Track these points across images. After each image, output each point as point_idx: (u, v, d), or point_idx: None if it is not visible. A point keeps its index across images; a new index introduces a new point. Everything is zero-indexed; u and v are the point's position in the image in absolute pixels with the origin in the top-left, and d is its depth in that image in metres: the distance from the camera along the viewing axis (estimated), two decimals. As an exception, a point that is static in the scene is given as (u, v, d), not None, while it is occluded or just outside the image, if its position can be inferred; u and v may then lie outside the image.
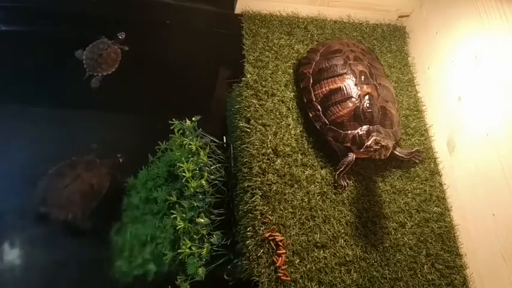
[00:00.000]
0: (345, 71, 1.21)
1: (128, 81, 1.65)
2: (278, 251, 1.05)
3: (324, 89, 1.21)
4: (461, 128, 1.25)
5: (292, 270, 1.04)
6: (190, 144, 1.24)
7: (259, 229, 1.06)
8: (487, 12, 1.20)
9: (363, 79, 1.20)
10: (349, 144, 1.16)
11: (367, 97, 1.17)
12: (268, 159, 1.16)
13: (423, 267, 1.14)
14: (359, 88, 1.19)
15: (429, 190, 1.27)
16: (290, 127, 1.23)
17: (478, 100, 1.21)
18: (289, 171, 1.16)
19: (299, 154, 1.19)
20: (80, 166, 1.50)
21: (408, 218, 1.20)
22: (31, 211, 1.42)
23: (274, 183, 1.13)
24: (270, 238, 1.06)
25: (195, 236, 1.16)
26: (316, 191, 1.16)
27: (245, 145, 1.16)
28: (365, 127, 1.16)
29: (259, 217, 1.08)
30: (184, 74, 1.65)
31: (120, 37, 1.64)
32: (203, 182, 1.19)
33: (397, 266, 1.13)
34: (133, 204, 1.43)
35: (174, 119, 1.28)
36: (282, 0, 1.44)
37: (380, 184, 1.24)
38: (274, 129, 1.20)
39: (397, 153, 1.23)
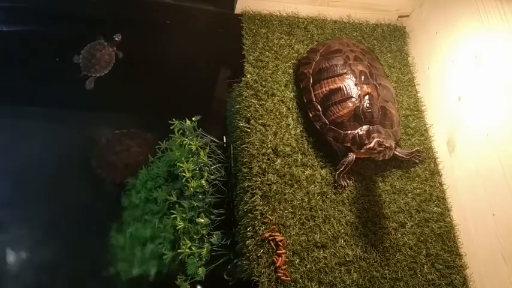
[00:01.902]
0: (345, 71, 1.21)
1: (127, 81, 1.65)
2: (278, 251, 1.05)
3: (324, 89, 1.21)
4: (461, 128, 1.25)
5: (292, 270, 1.04)
6: (190, 144, 1.24)
7: (259, 229, 1.06)
8: (487, 12, 1.20)
9: (363, 79, 1.20)
10: (349, 144, 1.16)
11: (367, 97, 1.17)
12: (268, 159, 1.16)
13: (423, 267, 1.14)
14: (359, 88, 1.19)
15: (429, 190, 1.27)
16: (290, 127, 1.23)
17: (478, 100, 1.21)
18: (289, 171, 1.16)
19: (299, 154, 1.19)
20: (135, 139, 1.58)
21: (408, 218, 1.20)
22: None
23: (274, 183, 1.13)
24: (270, 238, 1.06)
25: (195, 236, 1.16)
26: (316, 191, 1.16)
27: (245, 145, 1.16)
28: (365, 127, 1.16)
29: (259, 217, 1.08)
30: (184, 74, 1.65)
31: (116, 39, 1.63)
32: (203, 182, 1.19)
33: (397, 266, 1.13)
34: (133, 204, 1.43)
35: (174, 119, 1.28)
36: (282, 0, 1.44)
37: (380, 184, 1.24)
38: (274, 129, 1.20)
39: (397, 153, 1.23)
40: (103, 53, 1.61)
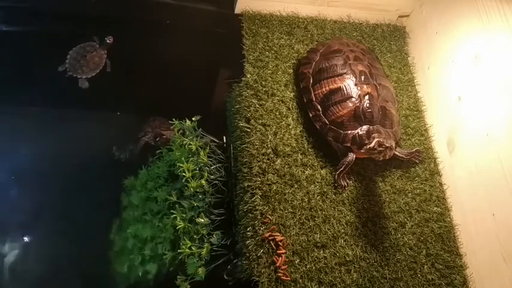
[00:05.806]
0: (345, 71, 1.21)
1: (127, 81, 1.65)
2: (278, 251, 1.05)
3: (324, 89, 1.21)
4: (461, 128, 1.25)
5: (292, 270, 1.04)
6: (190, 144, 1.24)
7: (259, 229, 1.06)
8: (487, 12, 1.20)
9: (363, 79, 1.20)
10: (349, 144, 1.16)
11: (367, 97, 1.17)
12: (268, 159, 1.16)
13: (423, 267, 1.14)
14: (359, 88, 1.19)
15: (429, 190, 1.27)
16: (290, 127, 1.23)
17: (478, 100, 1.21)
18: (289, 171, 1.16)
19: (299, 154, 1.19)
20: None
21: (408, 218, 1.20)
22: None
23: (274, 183, 1.13)
24: (270, 238, 1.06)
25: (195, 236, 1.16)
26: (316, 191, 1.16)
27: (245, 145, 1.16)
28: (365, 127, 1.16)
29: (259, 217, 1.08)
30: (184, 74, 1.65)
31: (108, 41, 1.61)
32: (203, 182, 1.19)
33: (397, 266, 1.13)
34: (133, 204, 1.43)
35: (174, 119, 1.28)
36: (282, 0, 1.44)
37: (380, 184, 1.24)
38: (274, 129, 1.20)
39: (397, 153, 1.23)
40: (93, 55, 1.59)
